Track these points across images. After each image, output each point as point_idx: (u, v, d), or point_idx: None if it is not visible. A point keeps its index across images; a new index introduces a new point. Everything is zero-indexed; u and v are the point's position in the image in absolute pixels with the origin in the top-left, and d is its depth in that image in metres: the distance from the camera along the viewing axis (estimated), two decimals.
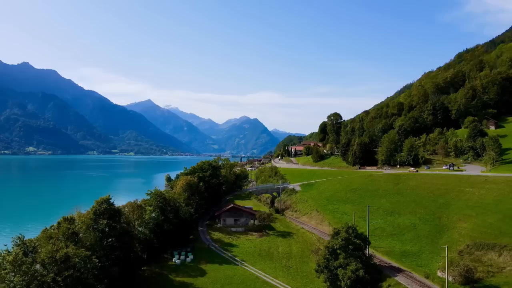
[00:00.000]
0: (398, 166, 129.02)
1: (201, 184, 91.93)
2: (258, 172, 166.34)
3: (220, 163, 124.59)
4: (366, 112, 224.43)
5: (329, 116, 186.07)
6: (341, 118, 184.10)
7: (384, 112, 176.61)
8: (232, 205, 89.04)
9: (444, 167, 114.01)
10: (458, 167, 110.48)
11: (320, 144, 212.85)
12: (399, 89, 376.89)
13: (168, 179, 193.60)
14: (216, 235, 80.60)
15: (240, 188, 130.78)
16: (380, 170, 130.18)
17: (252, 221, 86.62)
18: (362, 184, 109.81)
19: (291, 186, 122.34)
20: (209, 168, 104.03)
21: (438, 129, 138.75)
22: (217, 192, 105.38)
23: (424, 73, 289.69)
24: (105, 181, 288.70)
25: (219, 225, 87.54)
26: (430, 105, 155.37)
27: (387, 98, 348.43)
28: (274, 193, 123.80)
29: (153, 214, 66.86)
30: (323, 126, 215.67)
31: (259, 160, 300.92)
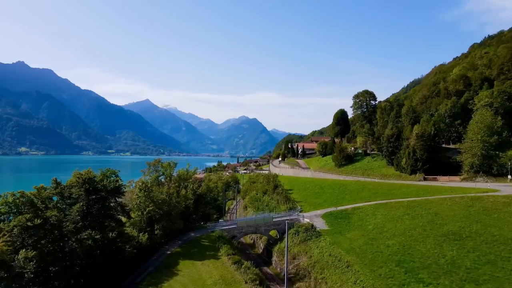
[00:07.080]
0: (510, 177, 67.51)
1: None
2: (246, 184, 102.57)
3: (158, 173, 60.75)
4: (388, 101, 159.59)
5: (356, 96, 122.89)
6: (375, 99, 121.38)
7: (443, 89, 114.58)
8: None
9: None
10: None
11: (338, 140, 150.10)
12: (406, 85, 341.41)
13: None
14: None
15: (206, 222, 66.85)
16: (473, 184, 68.34)
17: None
18: (467, 219, 49.04)
19: (305, 219, 60.83)
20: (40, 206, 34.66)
21: None
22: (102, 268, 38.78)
23: (435, 66, 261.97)
24: None
25: None
26: None
27: (392, 94, 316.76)
28: (272, 232, 62.71)
29: None
30: (339, 115, 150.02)
31: (256, 162, 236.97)
